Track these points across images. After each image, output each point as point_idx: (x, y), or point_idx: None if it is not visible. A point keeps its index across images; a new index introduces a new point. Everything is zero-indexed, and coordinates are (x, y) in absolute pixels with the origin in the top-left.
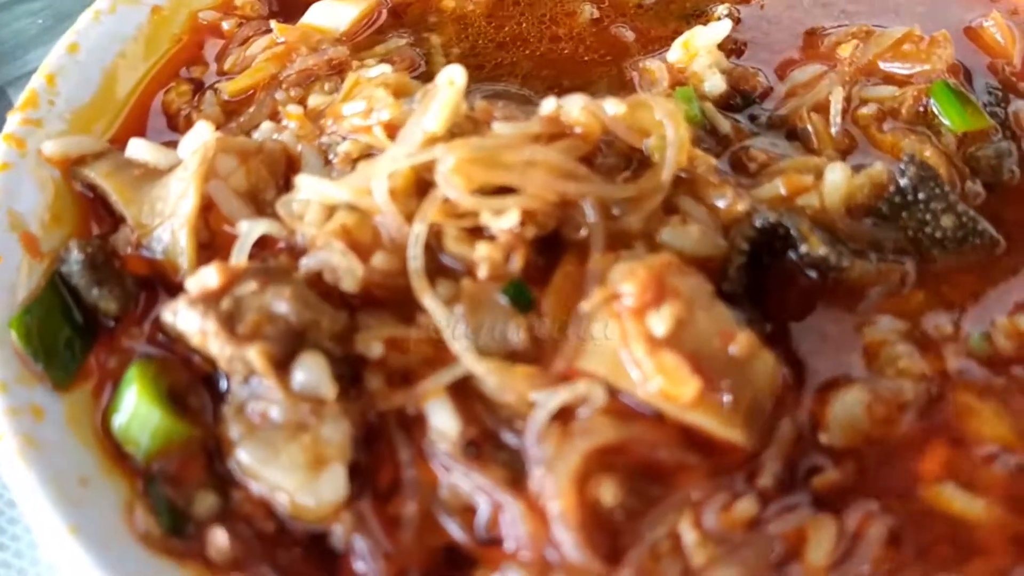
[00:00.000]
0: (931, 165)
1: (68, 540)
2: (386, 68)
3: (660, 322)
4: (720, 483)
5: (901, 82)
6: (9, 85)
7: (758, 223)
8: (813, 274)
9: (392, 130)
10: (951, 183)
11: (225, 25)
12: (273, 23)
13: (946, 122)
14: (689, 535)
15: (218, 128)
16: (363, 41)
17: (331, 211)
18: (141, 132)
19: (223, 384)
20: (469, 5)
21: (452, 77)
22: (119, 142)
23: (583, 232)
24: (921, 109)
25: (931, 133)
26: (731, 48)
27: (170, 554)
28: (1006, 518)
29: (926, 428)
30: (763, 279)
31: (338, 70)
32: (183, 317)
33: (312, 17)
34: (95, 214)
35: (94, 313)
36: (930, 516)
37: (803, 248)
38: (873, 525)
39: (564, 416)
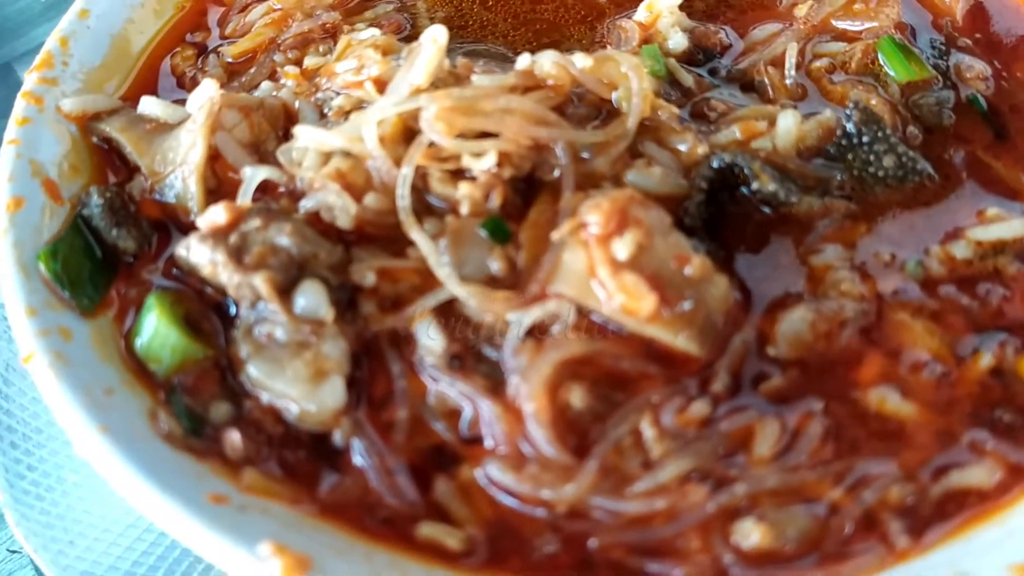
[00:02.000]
0: (875, 111)
1: (98, 439)
2: (375, 31)
3: (622, 247)
4: (677, 389)
5: (852, 38)
6: (15, 61)
7: (715, 164)
8: (767, 209)
9: (381, 85)
10: (894, 128)
11: None
12: None
13: (892, 73)
14: (649, 431)
15: (222, 87)
16: (354, 7)
17: (327, 157)
18: (151, 91)
19: (232, 310)
20: None
21: (435, 36)
22: (131, 100)
23: (556, 173)
24: (869, 62)
25: (878, 84)
26: (703, 11)
27: (191, 451)
28: (933, 417)
29: (864, 342)
30: (721, 215)
31: (331, 34)
32: (195, 251)
33: None
34: (111, 164)
35: (113, 251)
36: (865, 416)
37: (755, 185)
38: (812, 422)
39: (538, 333)
